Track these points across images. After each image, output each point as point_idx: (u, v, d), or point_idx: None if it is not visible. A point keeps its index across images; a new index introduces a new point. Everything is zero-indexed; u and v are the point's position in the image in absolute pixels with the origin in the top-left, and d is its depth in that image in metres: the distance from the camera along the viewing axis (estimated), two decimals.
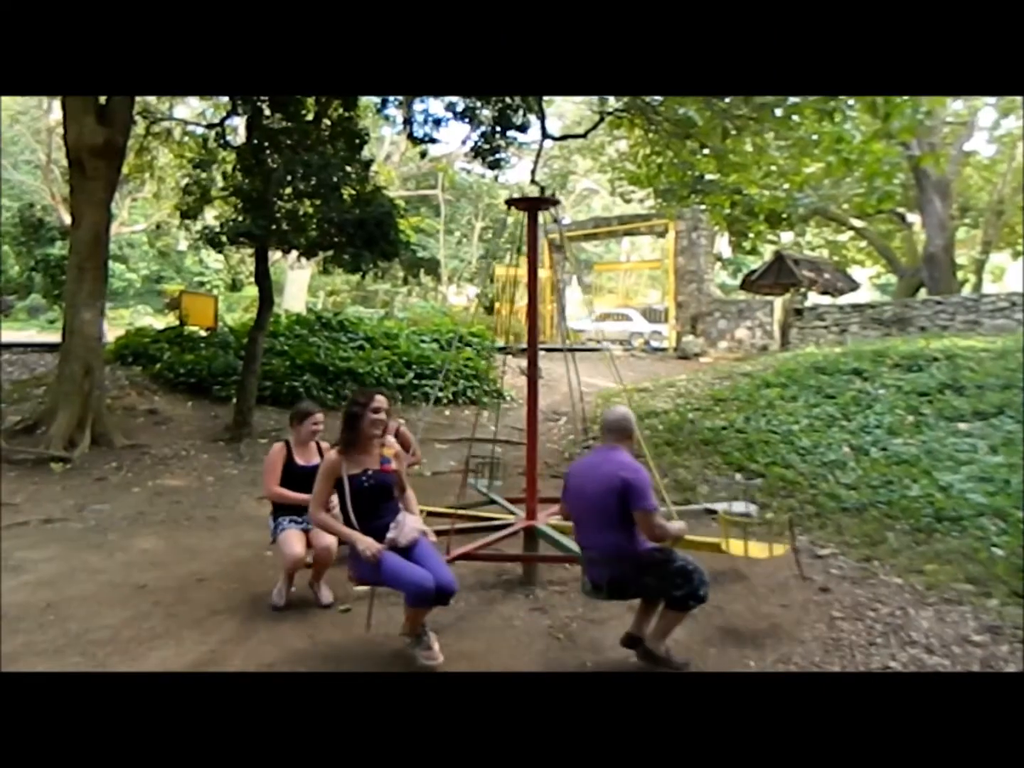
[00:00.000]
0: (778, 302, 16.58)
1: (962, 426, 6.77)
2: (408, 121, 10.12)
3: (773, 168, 9.85)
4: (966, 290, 21.30)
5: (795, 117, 8.13)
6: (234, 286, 26.94)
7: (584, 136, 13.54)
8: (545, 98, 10.70)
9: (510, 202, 5.02)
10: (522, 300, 21.72)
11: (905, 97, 6.40)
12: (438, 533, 4.28)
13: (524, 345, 5.19)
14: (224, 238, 8.92)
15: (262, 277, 9.52)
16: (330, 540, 4.05)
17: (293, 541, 4.17)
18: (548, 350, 10.91)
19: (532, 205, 4.86)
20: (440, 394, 10.95)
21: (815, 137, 8.28)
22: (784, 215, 14.78)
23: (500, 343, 12.85)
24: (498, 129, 9.68)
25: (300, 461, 4.41)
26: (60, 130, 10.51)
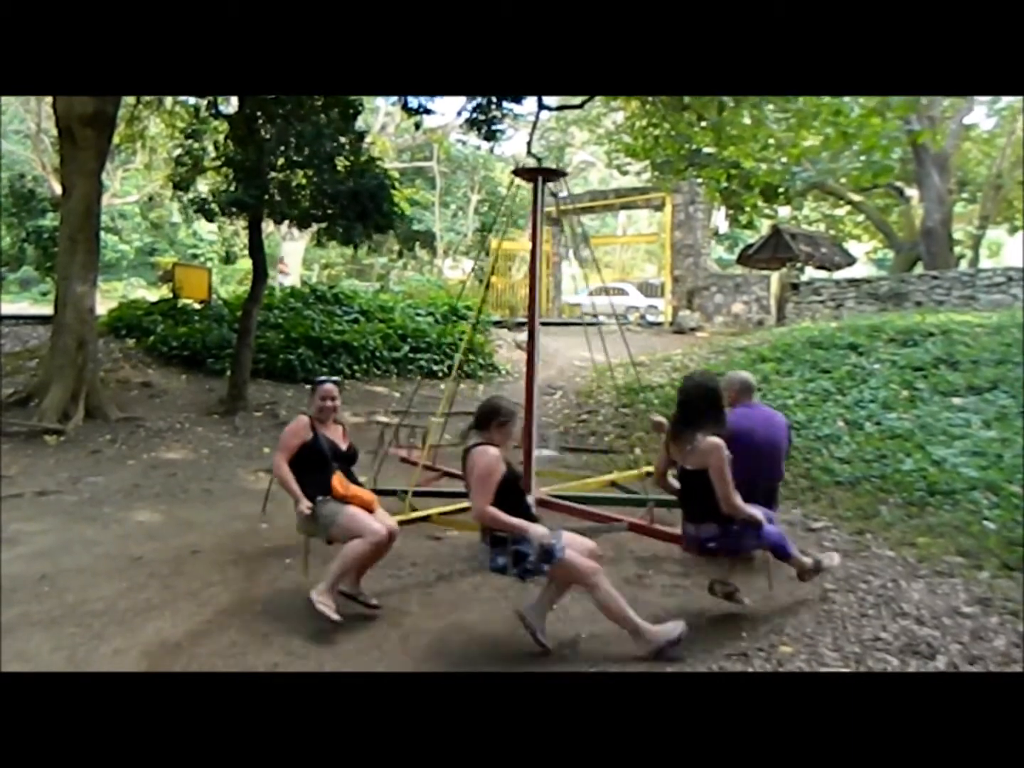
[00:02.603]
0: (774, 276, 16.51)
1: (956, 401, 6.78)
2: None
3: (771, 141, 9.77)
4: (962, 265, 21.23)
5: None
6: (228, 259, 26.75)
7: (581, 107, 13.39)
8: None
9: (517, 172, 4.97)
10: (519, 273, 21.60)
11: None
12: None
13: (520, 319, 5.18)
14: (216, 207, 8.83)
15: (256, 250, 9.45)
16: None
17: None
18: (544, 324, 10.84)
19: (539, 176, 4.80)
20: (435, 368, 10.93)
21: (813, 110, 8.20)
22: (781, 189, 14.68)
23: (495, 316, 12.79)
24: (494, 100, 9.55)
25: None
26: (50, 99, 10.35)
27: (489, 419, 3.43)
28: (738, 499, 3.52)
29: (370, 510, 3.78)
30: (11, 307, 20.14)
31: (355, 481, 3.95)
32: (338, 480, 3.75)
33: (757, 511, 3.60)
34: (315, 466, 3.79)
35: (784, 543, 3.75)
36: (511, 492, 3.39)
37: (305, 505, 3.66)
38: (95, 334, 8.79)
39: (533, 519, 3.42)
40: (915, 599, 3.91)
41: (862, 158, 8.35)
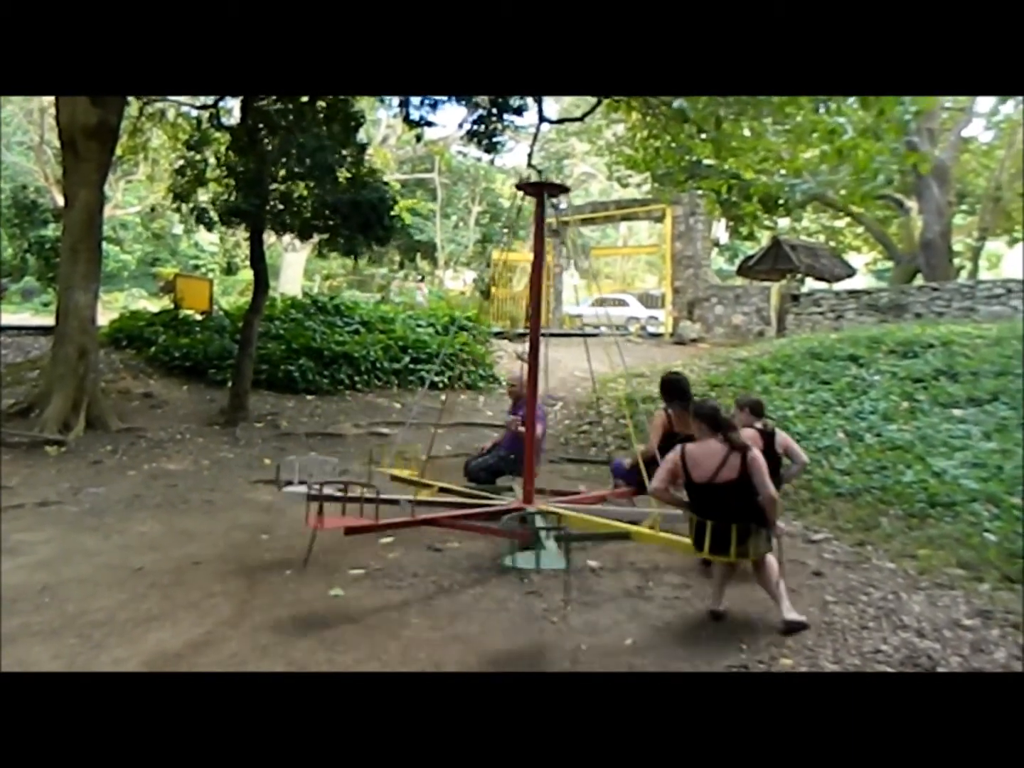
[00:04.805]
0: (775, 288, 16.55)
1: (956, 412, 6.79)
2: (404, 103, 10.03)
3: (771, 151, 9.82)
4: (962, 277, 21.27)
5: (791, 106, 8.12)
6: (229, 269, 26.81)
7: (581, 120, 13.46)
8: None
9: (520, 186, 5.03)
10: (519, 284, 21.64)
11: None
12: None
13: (521, 330, 5.23)
14: (216, 217, 8.87)
15: (257, 261, 9.48)
16: None
17: None
18: (545, 335, 10.81)
19: (541, 190, 4.86)
20: (436, 379, 10.94)
21: (810, 127, 8.25)
22: (781, 200, 14.74)
23: (496, 327, 12.79)
24: (495, 112, 9.60)
25: None
26: (53, 110, 10.41)
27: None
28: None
29: None
30: (13, 317, 20.17)
31: None
32: None
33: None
34: None
35: None
36: None
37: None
38: (96, 344, 8.81)
39: None
40: (915, 611, 3.90)
41: (851, 177, 8.39)
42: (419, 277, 28.20)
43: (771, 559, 3.78)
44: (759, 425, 4.53)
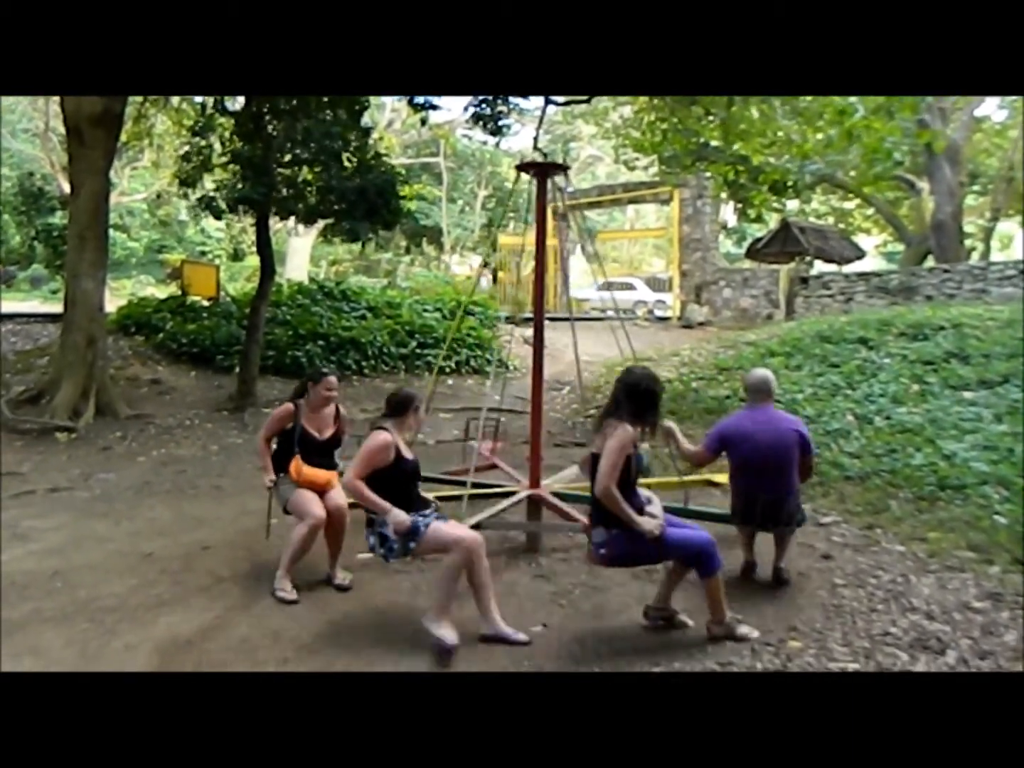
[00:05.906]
0: (783, 270, 16.44)
1: (967, 395, 6.74)
2: None
3: (780, 134, 9.71)
4: (974, 258, 21.07)
5: None
6: (236, 256, 26.81)
7: (587, 101, 13.31)
8: None
9: (520, 167, 4.98)
10: (526, 268, 21.61)
11: None
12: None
13: (528, 314, 5.21)
14: (223, 204, 8.86)
15: (264, 247, 9.47)
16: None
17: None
18: (552, 319, 10.75)
19: (542, 170, 4.81)
20: (443, 363, 10.93)
21: (820, 109, 8.15)
22: (789, 183, 14.62)
23: (503, 312, 12.74)
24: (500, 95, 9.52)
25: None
26: (57, 98, 10.39)
27: (405, 407, 3.64)
28: (614, 490, 3.16)
29: (322, 492, 4.09)
30: (22, 305, 20.24)
31: (330, 465, 4.22)
32: (294, 465, 4.07)
33: (646, 518, 3.26)
34: (287, 449, 4.18)
35: (708, 560, 3.35)
36: (395, 478, 3.51)
37: (268, 479, 4.16)
38: (104, 331, 8.84)
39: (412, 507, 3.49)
40: (925, 594, 3.89)
41: (863, 160, 8.28)
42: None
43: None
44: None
